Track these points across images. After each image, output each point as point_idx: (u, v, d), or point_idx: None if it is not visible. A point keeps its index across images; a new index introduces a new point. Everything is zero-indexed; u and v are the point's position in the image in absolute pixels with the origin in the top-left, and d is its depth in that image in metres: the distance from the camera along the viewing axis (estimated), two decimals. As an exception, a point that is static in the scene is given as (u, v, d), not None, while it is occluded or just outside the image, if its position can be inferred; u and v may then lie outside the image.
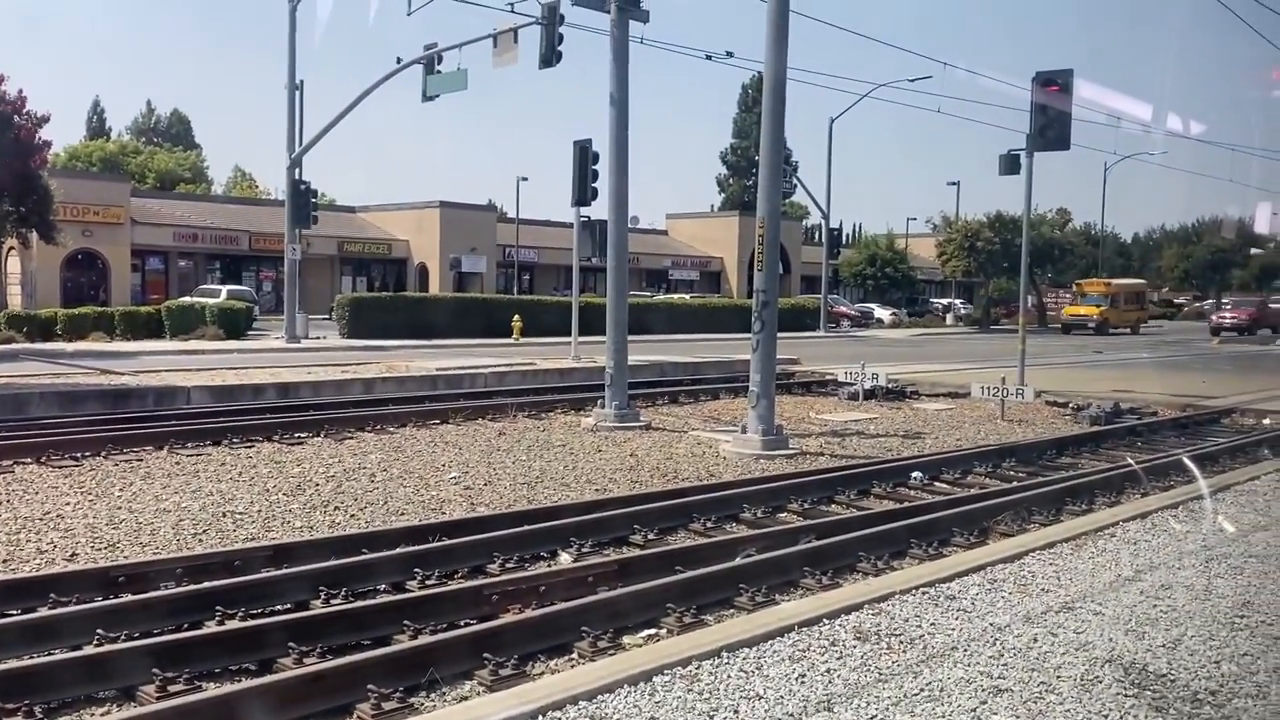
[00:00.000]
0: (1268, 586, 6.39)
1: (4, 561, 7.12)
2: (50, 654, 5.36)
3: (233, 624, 5.80)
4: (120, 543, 7.68)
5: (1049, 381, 19.76)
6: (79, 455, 11.05)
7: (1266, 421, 16.46)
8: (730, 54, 26.52)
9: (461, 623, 6.06)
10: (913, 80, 35.71)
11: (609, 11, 15.04)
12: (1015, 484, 10.74)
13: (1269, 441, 13.67)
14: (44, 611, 5.93)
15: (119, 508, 8.76)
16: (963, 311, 61.25)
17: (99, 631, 5.55)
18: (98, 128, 79.30)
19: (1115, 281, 54.92)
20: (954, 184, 65.78)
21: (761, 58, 12.82)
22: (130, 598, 6.18)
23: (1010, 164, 18.83)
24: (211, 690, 4.91)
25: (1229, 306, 54.71)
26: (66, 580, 6.35)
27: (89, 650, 5.37)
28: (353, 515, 8.80)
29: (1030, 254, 20.61)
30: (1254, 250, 65.16)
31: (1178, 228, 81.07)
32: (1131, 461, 11.16)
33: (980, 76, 60.11)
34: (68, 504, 8.86)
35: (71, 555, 7.34)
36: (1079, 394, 18.45)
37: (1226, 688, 4.74)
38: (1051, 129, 16.26)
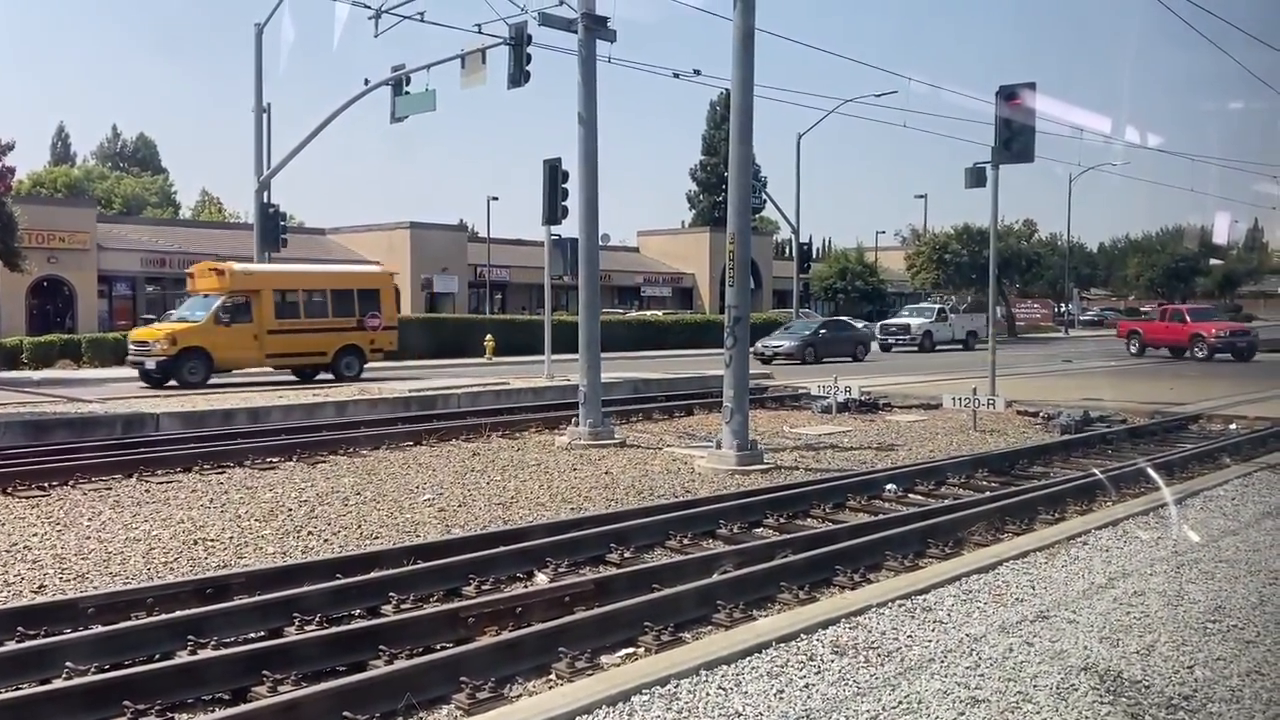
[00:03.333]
0: (1238, 591, 6.46)
1: (-30, 595, 6.99)
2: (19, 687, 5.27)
3: (204, 653, 5.72)
4: (89, 573, 7.57)
5: (1020, 391, 19.91)
6: (46, 485, 10.89)
7: (1233, 427, 16.66)
8: (698, 72, 26.77)
9: (438, 646, 6.02)
10: (878, 95, 36.03)
11: (576, 32, 15.12)
12: (988, 494, 10.81)
13: (1233, 447, 13.85)
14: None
15: (88, 538, 8.63)
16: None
17: (68, 665, 5.46)
18: (62, 153, 78.64)
19: (245, 268, 24.73)
20: (921, 197, 66.87)
21: (728, 74, 12.93)
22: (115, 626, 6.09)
23: (976, 177, 19.06)
24: (184, 722, 4.84)
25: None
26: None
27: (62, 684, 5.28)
28: (326, 540, 8.72)
29: (998, 265, 20.83)
30: (1213, 261, 65.97)
31: (1141, 237, 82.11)
32: (1097, 472, 11.25)
33: (943, 90, 60.81)
34: (35, 535, 8.72)
35: (39, 587, 7.22)
36: (1049, 403, 18.60)
37: (1201, 692, 4.78)
38: (1016, 141, 16.46)
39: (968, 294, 51.20)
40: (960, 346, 43.47)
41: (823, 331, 36.35)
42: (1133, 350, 37.63)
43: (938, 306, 45.26)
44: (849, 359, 34.88)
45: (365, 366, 24.79)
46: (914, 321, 43.81)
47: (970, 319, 45.93)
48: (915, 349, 41.90)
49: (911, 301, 53.40)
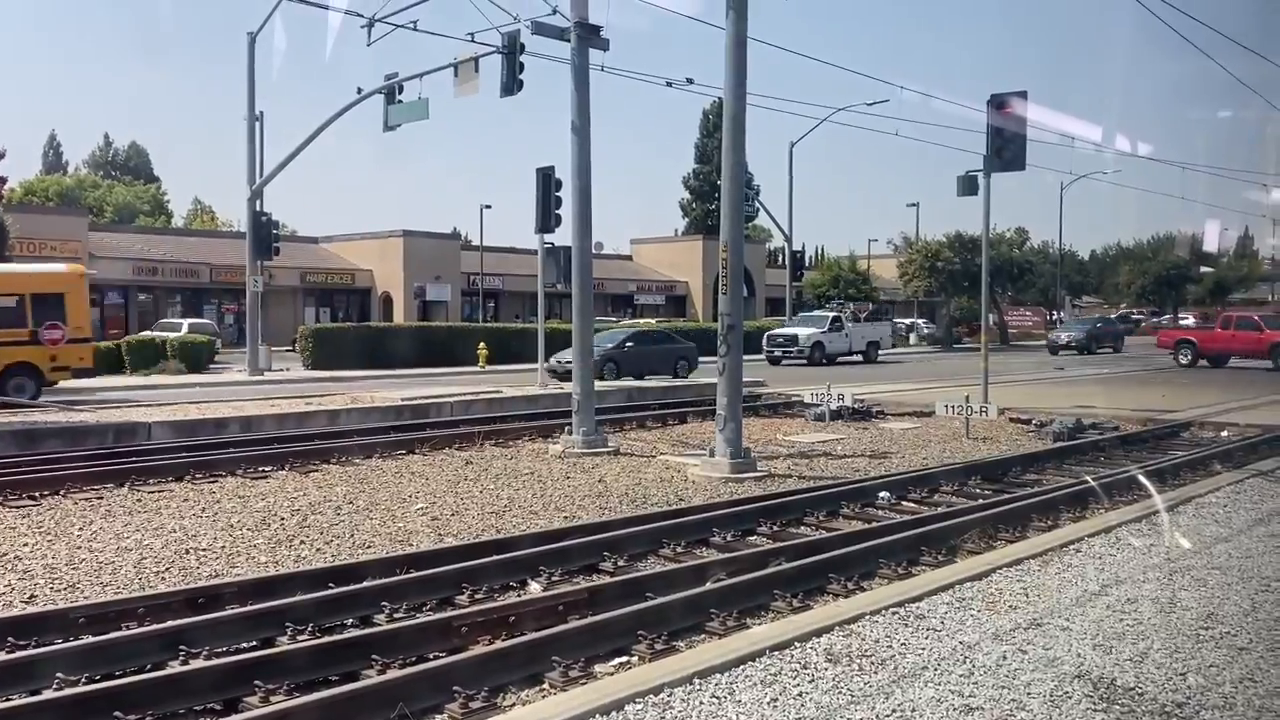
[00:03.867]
0: (1231, 598, 6.47)
1: (-41, 605, 6.95)
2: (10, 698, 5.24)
3: (196, 663, 5.70)
4: (80, 583, 7.53)
5: (1012, 398, 19.95)
6: (37, 495, 10.84)
7: (1224, 434, 16.71)
8: (691, 80, 26.59)
9: (431, 655, 6.00)
10: (870, 104, 36.29)
11: (569, 40, 15.14)
12: (982, 501, 10.82)
13: (1225, 455, 13.88)
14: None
15: (79, 547, 8.59)
16: (925, 331, 61.83)
17: (58, 675, 5.43)
18: (54, 162, 78.55)
19: None
20: (914, 205, 67.06)
21: (721, 83, 12.97)
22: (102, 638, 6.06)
23: (968, 185, 19.04)
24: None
25: None
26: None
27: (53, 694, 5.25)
28: (318, 549, 8.69)
29: (990, 273, 20.88)
30: (1204, 269, 66.21)
31: (1133, 244, 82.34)
32: (1090, 479, 11.27)
33: (934, 99, 61.18)
34: (25, 545, 8.68)
35: (30, 597, 7.19)
36: (1042, 410, 18.64)
37: (1194, 700, 4.79)
38: (1007, 150, 16.51)
39: (868, 305, 48.72)
40: (860, 358, 40.46)
41: (629, 345, 29.41)
42: (1183, 361, 35.16)
43: (831, 315, 41.46)
44: (669, 375, 29.15)
45: (46, 387, 19.95)
46: (802, 332, 39.51)
47: (872, 328, 43.08)
48: (804, 362, 37.92)
49: (905, 312, 53.31)
